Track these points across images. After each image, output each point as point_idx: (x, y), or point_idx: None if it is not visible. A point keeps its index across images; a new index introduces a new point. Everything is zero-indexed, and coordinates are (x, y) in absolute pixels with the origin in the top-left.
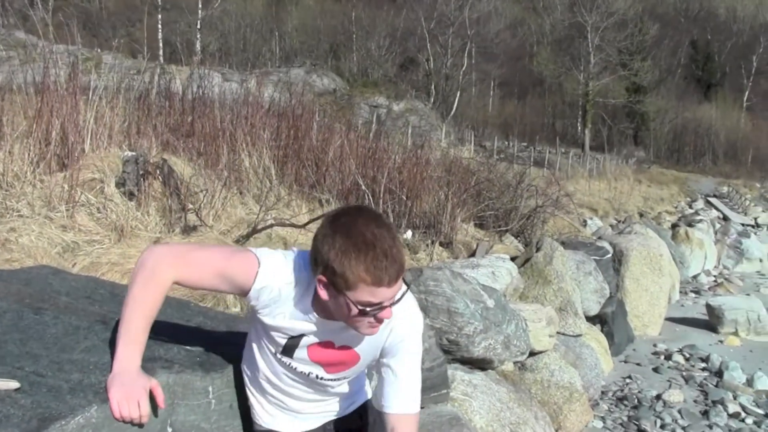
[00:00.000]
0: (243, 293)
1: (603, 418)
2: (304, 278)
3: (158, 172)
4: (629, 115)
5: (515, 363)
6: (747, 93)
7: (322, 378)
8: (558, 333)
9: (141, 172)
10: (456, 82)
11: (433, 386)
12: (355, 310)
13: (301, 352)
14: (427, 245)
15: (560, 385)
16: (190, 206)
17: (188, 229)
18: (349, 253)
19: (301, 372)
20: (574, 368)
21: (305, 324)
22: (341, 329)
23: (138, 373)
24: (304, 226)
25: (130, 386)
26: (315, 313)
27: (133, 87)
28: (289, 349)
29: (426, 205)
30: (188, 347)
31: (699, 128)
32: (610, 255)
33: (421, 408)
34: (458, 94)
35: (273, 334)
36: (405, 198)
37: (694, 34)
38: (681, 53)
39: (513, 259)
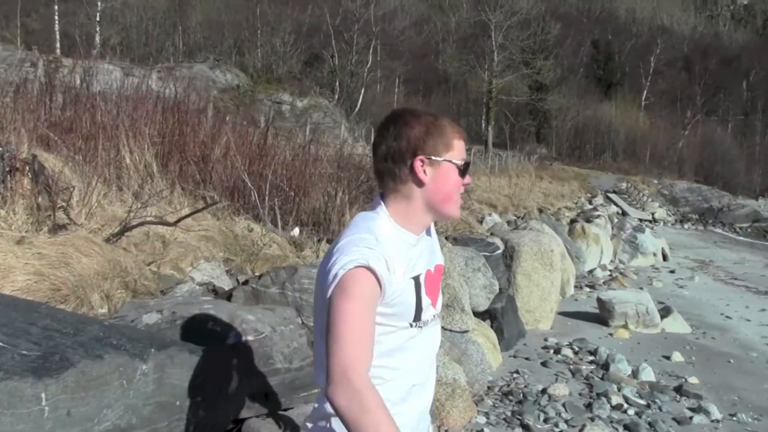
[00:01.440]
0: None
1: (487, 414)
2: (378, 222)
3: (27, 168)
4: (532, 113)
5: None
6: (645, 92)
7: (435, 316)
8: (444, 329)
9: (7, 169)
10: (361, 79)
11: (303, 386)
12: (456, 172)
13: (425, 299)
14: (315, 242)
15: (443, 382)
16: (61, 204)
17: (57, 228)
18: (434, 121)
19: (430, 318)
20: (458, 364)
21: (412, 251)
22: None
23: None
24: (175, 223)
25: None
26: (407, 231)
27: (13, 80)
28: (419, 304)
29: (315, 201)
30: (24, 352)
31: (600, 126)
32: (500, 251)
33: (291, 408)
34: (363, 91)
35: (403, 298)
36: (293, 194)
37: (596, 34)
38: (583, 53)
39: None
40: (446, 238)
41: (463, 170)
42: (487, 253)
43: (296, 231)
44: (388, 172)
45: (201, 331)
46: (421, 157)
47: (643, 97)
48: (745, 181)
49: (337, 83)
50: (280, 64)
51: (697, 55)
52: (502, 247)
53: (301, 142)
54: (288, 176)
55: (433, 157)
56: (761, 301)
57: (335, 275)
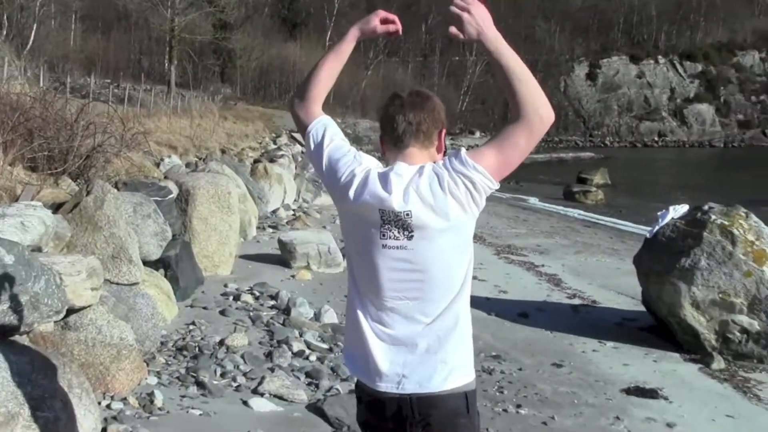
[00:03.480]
0: None
1: (159, 373)
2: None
3: None
4: (216, 52)
5: (56, 323)
6: (329, 33)
7: None
8: (111, 283)
9: None
10: (32, 14)
11: None
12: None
13: None
14: None
15: (107, 343)
16: None
17: None
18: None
19: None
20: (125, 322)
21: None
22: None
23: None
24: None
25: None
26: None
27: None
28: None
29: None
30: None
31: (285, 66)
32: (173, 195)
33: None
34: (35, 27)
35: None
36: None
37: None
38: None
39: (62, 204)
40: (115, 185)
41: None
42: (159, 198)
43: None
44: (426, 135)
45: None
46: (444, 128)
47: (327, 38)
48: None
49: (5, 17)
50: None
51: None
52: (175, 191)
53: None
54: None
55: (444, 131)
56: None
57: (463, 156)
